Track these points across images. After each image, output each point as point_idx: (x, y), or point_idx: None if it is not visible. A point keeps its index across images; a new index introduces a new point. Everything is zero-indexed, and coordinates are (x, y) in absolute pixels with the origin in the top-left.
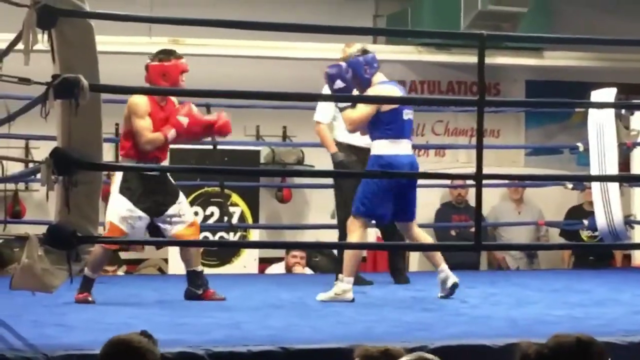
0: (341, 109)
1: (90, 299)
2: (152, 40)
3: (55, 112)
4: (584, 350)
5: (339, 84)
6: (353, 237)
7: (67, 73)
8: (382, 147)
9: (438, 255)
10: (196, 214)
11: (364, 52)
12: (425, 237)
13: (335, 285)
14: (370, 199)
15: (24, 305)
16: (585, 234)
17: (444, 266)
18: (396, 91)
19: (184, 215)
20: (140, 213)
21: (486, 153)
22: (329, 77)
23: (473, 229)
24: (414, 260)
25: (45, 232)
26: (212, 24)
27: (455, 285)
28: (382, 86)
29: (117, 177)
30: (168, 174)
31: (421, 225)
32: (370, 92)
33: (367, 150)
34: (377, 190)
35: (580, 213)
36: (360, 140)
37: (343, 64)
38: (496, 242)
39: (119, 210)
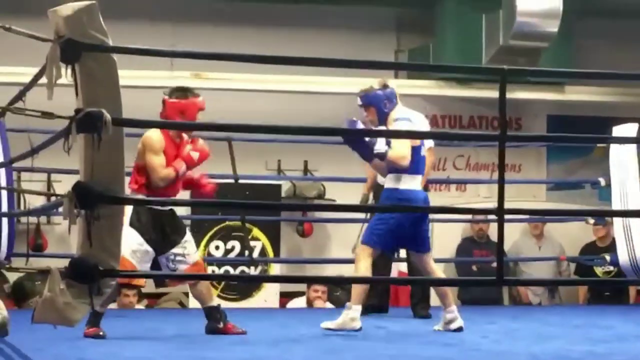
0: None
1: (101, 333)
2: (174, 74)
3: (78, 146)
4: None
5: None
6: (361, 265)
7: (90, 107)
8: (399, 181)
9: (450, 296)
10: (217, 248)
11: (384, 86)
12: (440, 273)
13: (343, 313)
14: (384, 230)
15: (46, 339)
16: (599, 270)
17: (454, 307)
18: (415, 127)
19: (189, 255)
20: (148, 248)
21: (507, 188)
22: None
23: (494, 264)
24: (434, 294)
25: (67, 266)
26: (233, 59)
27: (460, 329)
28: (400, 123)
29: (128, 210)
30: (176, 212)
31: (442, 260)
32: (394, 125)
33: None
34: (391, 223)
35: (594, 249)
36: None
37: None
38: (518, 277)
39: (130, 244)
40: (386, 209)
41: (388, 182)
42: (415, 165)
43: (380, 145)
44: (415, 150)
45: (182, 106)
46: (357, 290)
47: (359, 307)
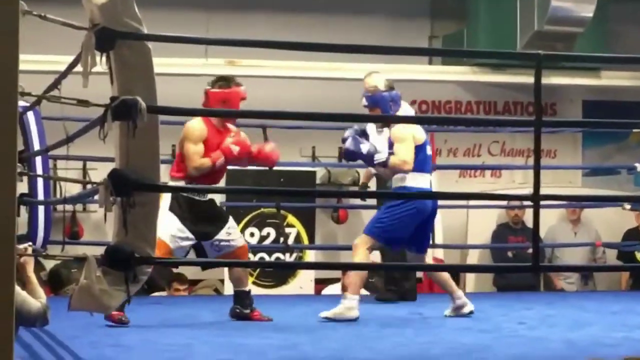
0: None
1: (124, 318)
2: (208, 61)
3: (113, 133)
4: None
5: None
6: (358, 254)
7: (125, 95)
8: (411, 180)
9: (452, 283)
10: (252, 235)
11: (391, 88)
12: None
13: (341, 302)
14: (390, 224)
15: (82, 326)
16: None
17: (460, 293)
18: (419, 129)
19: (234, 240)
20: (189, 234)
21: (543, 174)
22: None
23: (530, 250)
24: (470, 281)
25: (103, 253)
26: (267, 45)
27: (471, 313)
28: (405, 126)
29: (166, 195)
30: (216, 200)
31: (477, 247)
32: (394, 129)
33: None
34: (401, 218)
35: (638, 235)
36: None
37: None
38: (554, 264)
39: (169, 228)
40: (420, 196)
41: (395, 182)
42: (420, 163)
43: (380, 154)
44: (420, 149)
45: (224, 96)
46: (355, 280)
47: (357, 297)
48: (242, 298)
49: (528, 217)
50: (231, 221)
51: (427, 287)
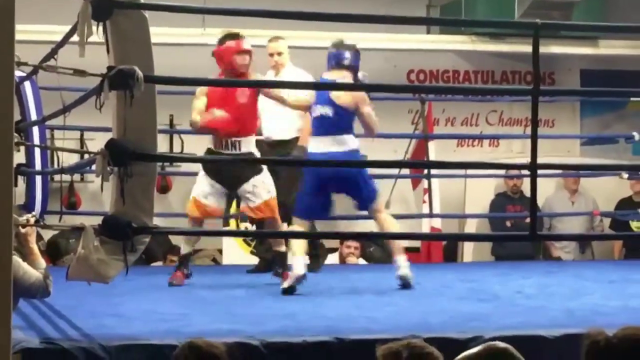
0: None
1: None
2: (205, 31)
3: (111, 103)
4: None
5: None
6: (388, 219)
7: (122, 64)
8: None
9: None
10: None
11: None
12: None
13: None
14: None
15: (81, 296)
16: (635, 224)
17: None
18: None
19: (258, 194)
20: (218, 186)
21: (541, 143)
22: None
23: (528, 220)
24: (468, 251)
25: (101, 223)
26: (265, 15)
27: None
28: None
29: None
30: (252, 150)
31: (475, 216)
32: None
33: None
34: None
35: (631, 204)
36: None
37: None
38: (551, 233)
39: (202, 187)
40: (420, 165)
41: (354, 143)
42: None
43: None
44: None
45: (218, 53)
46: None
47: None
48: (280, 259)
49: (527, 186)
50: (262, 175)
51: (425, 257)
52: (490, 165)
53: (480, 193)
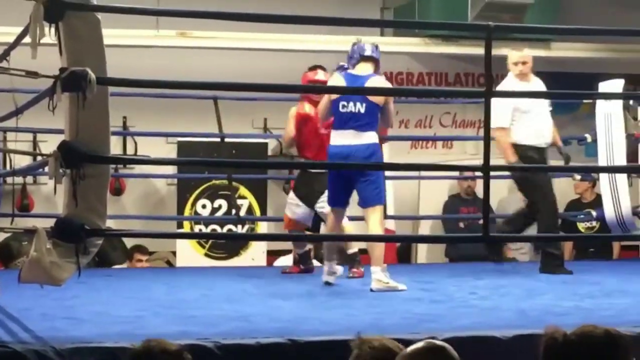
0: None
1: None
2: (159, 33)
3: (63, 105)
4: (611, 343)
5: None
6: (378, 225)
7: (74, 66)
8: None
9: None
10: (204, 207)
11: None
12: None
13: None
14: (381, 185)
15: (33, 299)
16: (582, 226)
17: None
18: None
19: (325, 207)
20: (297, 201)
21: (494, 144)
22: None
23: (481, 221)
24: (422, 252)
25: (54, 226)
26: (219, 17)
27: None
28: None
29: None
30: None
31: (428, 217)
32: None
33: (545, 150)
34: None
35: (579, 205)
36: (539, 140)
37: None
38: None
39: (288, 198)
40: (375, 167)
41: (374, 138)
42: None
43: None
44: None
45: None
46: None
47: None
48: (353, 259)
49: (480, 188)
50: None
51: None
52: (444, 167)
53: (434, 195)
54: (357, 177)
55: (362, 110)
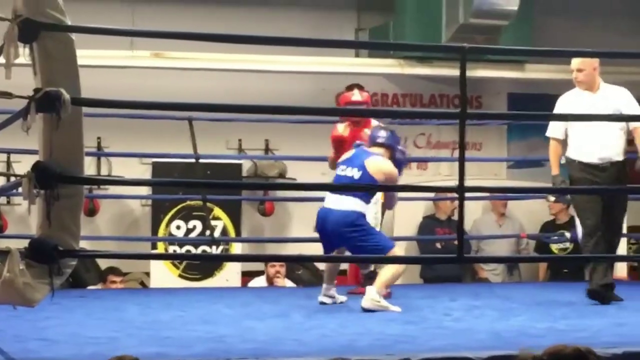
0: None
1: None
2: (134, 53)
3: (37, 125)
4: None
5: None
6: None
7: (48, 87)
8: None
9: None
10: (178, 227)
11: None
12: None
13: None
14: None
15: (6, 320)
16: (555, 247)
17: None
18: None
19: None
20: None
21: (468, 166)
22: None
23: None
24: None
25: (27, 246)
26: (194, 38)
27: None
28: None
29: None
30: None
31: (403, 238)
32: None
33: (602, 167)
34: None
35: (553, 227)
36: (594, 156)
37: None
38: (478, 255)
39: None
40: (345, 188)
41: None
42: None
43: None
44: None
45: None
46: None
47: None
48: (371, 276)
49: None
50: None
51: (352, 279)
52: (418, 188)
53: (409, 216)
54: (343, 242)
55: (356, 177)
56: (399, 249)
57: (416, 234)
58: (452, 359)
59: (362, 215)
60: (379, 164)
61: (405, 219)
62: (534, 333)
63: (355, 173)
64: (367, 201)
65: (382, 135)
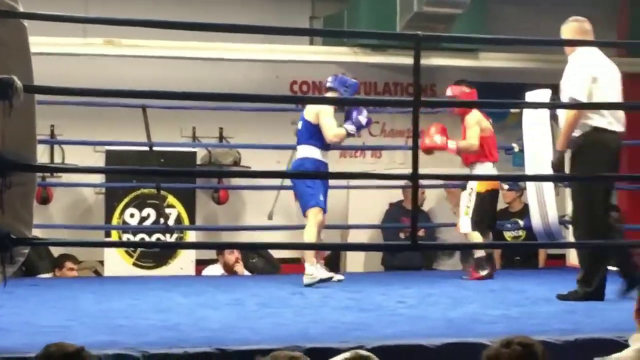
0: None
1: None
2: (86, 41)
3: None
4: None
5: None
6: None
7: (0, 74)
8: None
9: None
10: (132, 215)
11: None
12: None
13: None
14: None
15: None
16: (508, 235)
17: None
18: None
19: None
20: None
21: (423, 155)
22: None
23: (422, 231)
24: (359, 262)
25: None
26: (147, 25)
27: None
28: None
29: None
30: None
31: (369, 227)
32: None
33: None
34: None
35: (506, 215)
36: (618, 125)
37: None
38: (432, 242)
39: None
40: (301, 175)
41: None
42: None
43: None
44: None
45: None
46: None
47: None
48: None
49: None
50: None
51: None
52: (372, 175)
53: (364, 203)
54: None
55: (299, 127)
56: (320, 214)
57: (376, 222)
58: (406, 346)
59: (312, 161)
60: (312, 108)
61: (360, 206)
62: (487, 320)
63: (299, 124)
64: (319, 146)
65: (329, 79)
